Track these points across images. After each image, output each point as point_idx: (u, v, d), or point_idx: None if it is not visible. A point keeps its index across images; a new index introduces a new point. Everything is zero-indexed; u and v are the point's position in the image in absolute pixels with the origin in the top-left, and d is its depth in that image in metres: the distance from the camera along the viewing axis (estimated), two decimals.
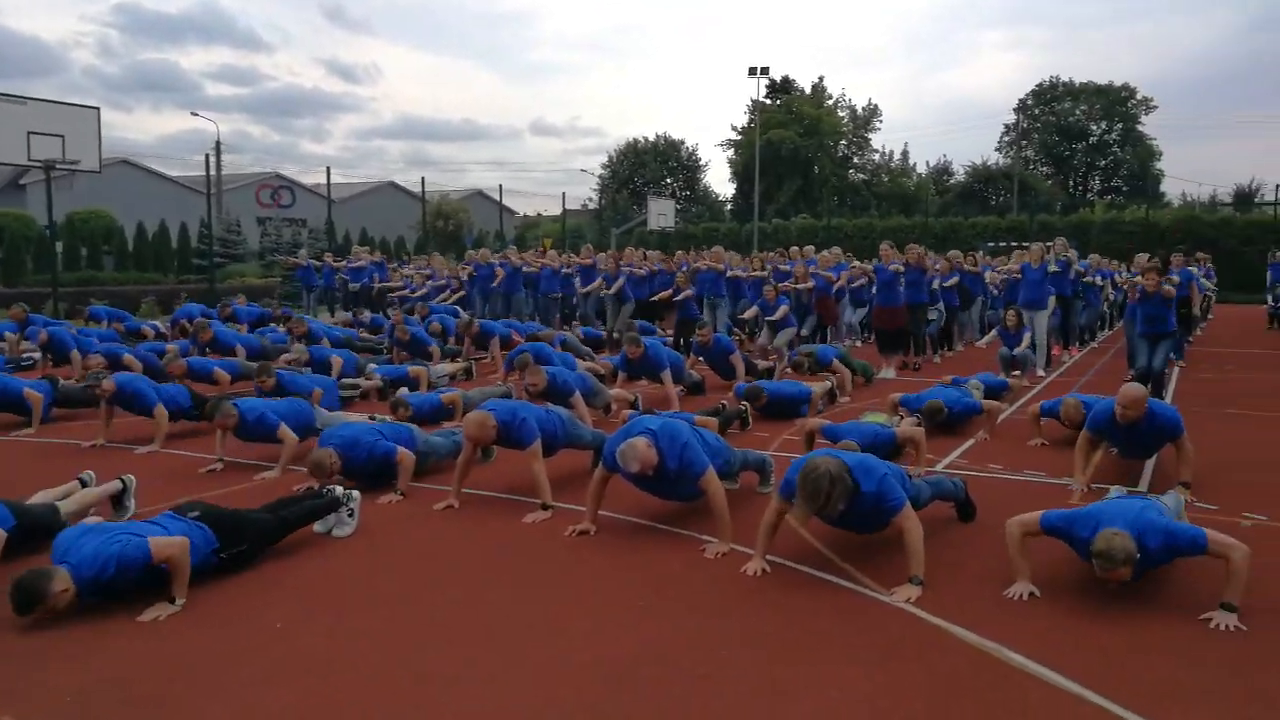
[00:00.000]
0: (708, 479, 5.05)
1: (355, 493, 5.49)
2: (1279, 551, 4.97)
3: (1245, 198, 43.87)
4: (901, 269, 12.26)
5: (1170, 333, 9.40)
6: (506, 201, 44.89)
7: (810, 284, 13.58)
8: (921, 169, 58.14)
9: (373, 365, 10.98)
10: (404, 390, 9.42)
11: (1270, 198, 39.89)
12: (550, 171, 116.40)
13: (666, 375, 9.47)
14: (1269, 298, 19.71)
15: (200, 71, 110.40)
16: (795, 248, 17.63)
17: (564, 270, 16.37)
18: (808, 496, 4.25)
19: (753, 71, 37.33)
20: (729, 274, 14.82)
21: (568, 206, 40.35)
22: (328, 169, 27.79)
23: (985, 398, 8.88)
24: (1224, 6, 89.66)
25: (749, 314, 13.56)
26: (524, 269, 15.99)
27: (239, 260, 33.05)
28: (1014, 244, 27.64)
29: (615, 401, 8.97)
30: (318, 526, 5.34)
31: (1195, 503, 5.82)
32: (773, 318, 12.42)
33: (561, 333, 13.28)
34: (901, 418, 7.98)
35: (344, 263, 19.61)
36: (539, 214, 62.43)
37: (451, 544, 5.23)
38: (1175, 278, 10.61)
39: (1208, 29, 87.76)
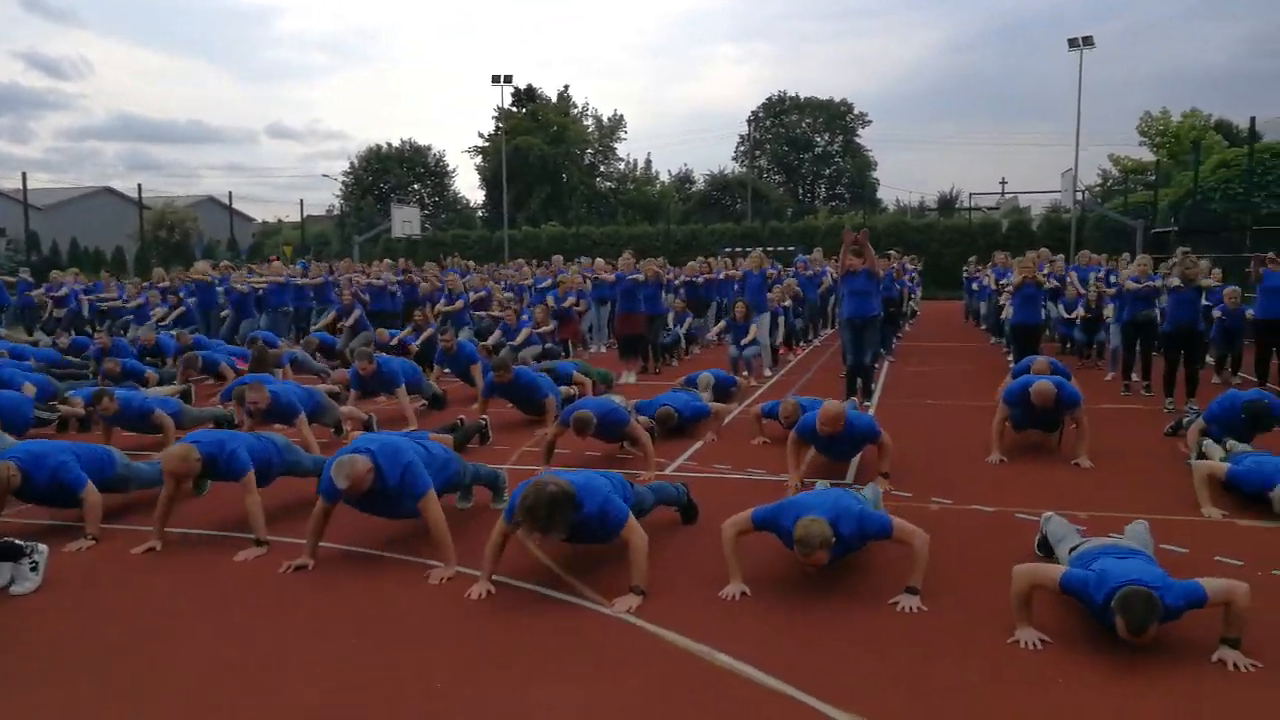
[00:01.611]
0: (427, 501, 4.93)
1: (42, 546, 4.92)
2: (962, 533, 5.52)
3: (947, 205, 48.74)
4: (641, 279, 12.67)
5: (874, 317, 10.03)
6: (244, 208, 42.49)
7: (551, 328, 13.66)
8: (665, 177, 60.15)
9: (73, 392, 9.93)
10: None
11: (968, 204, 44.70)
12: (291, 177, 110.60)
13: (401, 392, 9.20)
14: (966, 296, 21.88)
15: None
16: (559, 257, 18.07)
17: (294, 281, 15.59)
18: (525, 518, 4.28)
19: (496, 79, 37.17)
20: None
21: (311, 213, 38.60)
22: (23, 173, 24.98)
23: (715, 395, 9.46)
24: (926, 29, 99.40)
25: (491, 340, 13.51)
26: (249, 288, 15.06)
27: None
28: (748, 249, 29.22)
29: (347, 420, 8.61)
30: None
31: (892, 490, 6.35)
32: (515, 342, 12.49)
33: (292, 351, 12.56)
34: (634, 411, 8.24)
35: (41, 291, 17.72)
36: (279, 220, 59.38)
37: (154, 590, 4.78)
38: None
39: (913, 49, 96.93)
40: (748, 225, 39.61)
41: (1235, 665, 3.62)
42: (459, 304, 14.11)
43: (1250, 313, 11.05)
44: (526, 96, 54.51)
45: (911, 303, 19.60)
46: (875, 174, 60.15)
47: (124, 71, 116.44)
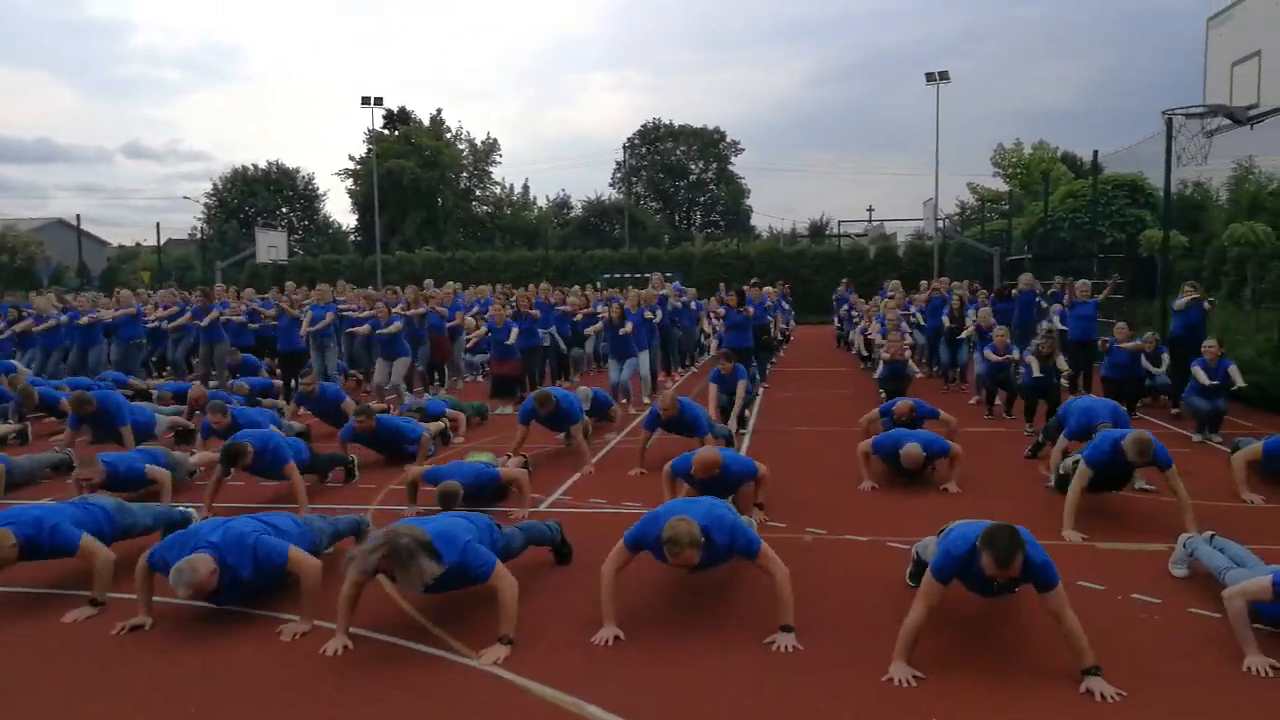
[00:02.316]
0: (295, 559, 4.64)
1: None
2: (837, 564, 5.50)
3: (818, 231, 50.11)
4: (517, 331, 12.36)
5: (746, 349, 10.25)
6: (99, 231, 40.02)
7: (423, 310, 13.35)
8: (542, 203, 59.89)
9: None
10: None
11: (837, 231, 46.11)
12: (150, 199, 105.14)
13: None
14: (835, 319, 22.54)
15: None
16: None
17: (148, 319, 14.73)
18: (369, 569, 4.11)
19: (366, 101, 36.26)
20: (342, 311, 14.23)
21: (174, 236, 36.67)
22: None
23: (594, 411, 9.72)
24: (793, 61, 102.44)
25: (362, 330, 13.19)
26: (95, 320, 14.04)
27: None
28: (627, 275, 29.36)
29: (204, 466, 8.08)
30: None
31: (768, 521, 6.31)
32: (385, 330, 12.26)
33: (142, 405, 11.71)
34: (508, 457, 8.00)
35: None
36: (137, 244, 56.37)
37: None
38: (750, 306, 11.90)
39: (780, 79, 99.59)
40: (625, 252, 39.76)
41: (1103, 695, 3.66)
42: (329, 317, 13.51)
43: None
44: (399, 119, 53.56)
45: (785, 329, 20.06)
46: (749, 201, 61.43)
47: None
